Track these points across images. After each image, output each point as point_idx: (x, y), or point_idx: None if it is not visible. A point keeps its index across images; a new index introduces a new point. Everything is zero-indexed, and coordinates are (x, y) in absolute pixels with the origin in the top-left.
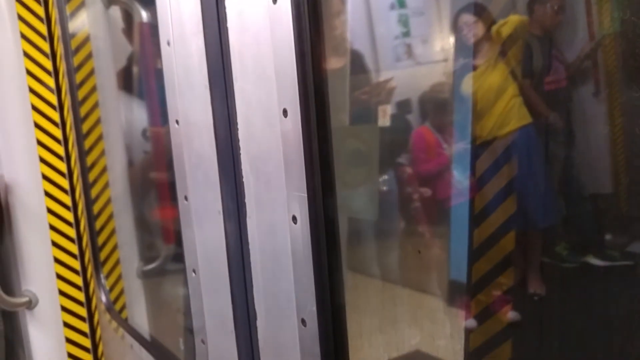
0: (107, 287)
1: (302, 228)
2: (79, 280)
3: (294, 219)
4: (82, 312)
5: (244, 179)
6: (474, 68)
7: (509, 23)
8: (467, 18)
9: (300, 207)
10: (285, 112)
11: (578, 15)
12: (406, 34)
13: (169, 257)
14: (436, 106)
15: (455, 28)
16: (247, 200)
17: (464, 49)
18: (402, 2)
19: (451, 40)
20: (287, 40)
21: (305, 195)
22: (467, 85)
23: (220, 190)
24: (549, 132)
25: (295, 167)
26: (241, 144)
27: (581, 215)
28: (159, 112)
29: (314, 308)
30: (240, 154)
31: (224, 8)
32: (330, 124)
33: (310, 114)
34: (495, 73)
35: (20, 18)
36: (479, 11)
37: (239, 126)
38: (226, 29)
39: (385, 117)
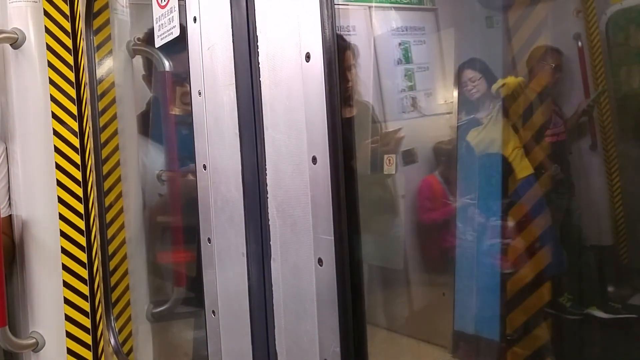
0: (117, 329)
1: (328, 270)
2: (87, 322)
3: (320, 261)
4: (89, 355)
5: (270, 222)
6: (476, 121)
7: (507, 86)
8: (470, 74)
9: (326, 249)
10: (314, 159)
11: (575, 74)
12: (411, 87)
13: (179, 300)
14: (441, 157)
15: (459, 83)
16: (272, 242)
17: (466, 103)
18: (407, 57)
19: (455, 94)
20: (318, 94)
21: (332, 238)
22: (470, 137)
23: (245, 232)
24: (550, 183)
25: (322, 210)
26: (269, 188)
27: (582, 266)
28: (177, 156)
29: (338, 349)
30: (267, 198)
31: (257, 64)
32: (357, 171)
33: (338, 161)
34: (496, 127)
35: (50, 65)
36: (481, 67)
37: (268, 172)
38: (259, 82)
39: (390, 165)
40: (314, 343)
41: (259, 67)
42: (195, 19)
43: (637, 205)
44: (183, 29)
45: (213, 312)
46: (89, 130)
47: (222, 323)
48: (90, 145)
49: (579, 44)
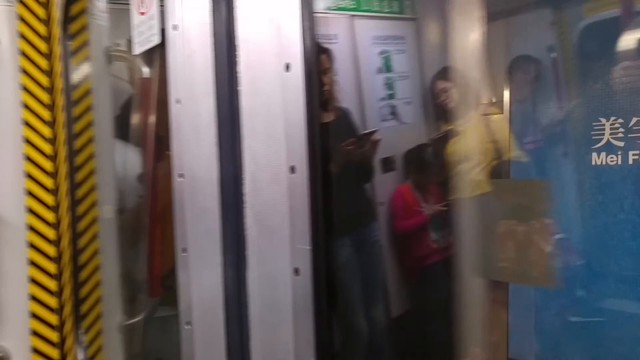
0: (86, 343)
1: (305, 280)
2: (55, 337)
3: (297, 271)
4: None
5: (247, 232)
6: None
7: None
8: (442, 84)
9: (303, 259)
10: (292, 169)
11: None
12: (392, 95)
13: (153, 311)
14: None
15: (432, 93)
16: (248, 252)
17: (441, 113)
18: (388, 66)
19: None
20: (298, 104)
21: (309, 248)
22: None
23: (222, 242)
24: None
25: (300, 220)
26: (246, 198)
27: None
28: (154, 165)
29: (313, 359)
30: (244, 207)
31: (237, 73)
32: (335, 181)
33: (316, 171)
34: (472, 137)
35: (23, 71)
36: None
37: (245, 181)
38: (238, 91)
39: None
40: (290, 354)
41: (238, 76)
42: (175, 27)
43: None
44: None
45: (188, 322)
46: (62, 137)
47: (196, 334)
48: (63, 153)
49: (553, 55)
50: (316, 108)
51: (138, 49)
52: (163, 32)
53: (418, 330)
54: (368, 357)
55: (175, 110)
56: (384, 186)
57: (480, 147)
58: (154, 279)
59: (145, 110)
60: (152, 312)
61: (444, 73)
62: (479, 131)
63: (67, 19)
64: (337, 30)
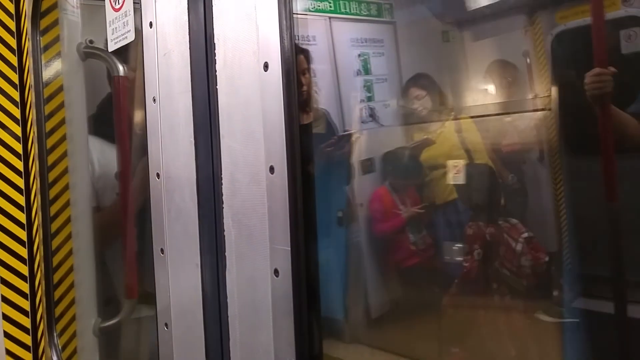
0: (60, 346)
1: (284, 281)
2: (28, 340)
3: (276, 272)
4: None
5: (225, 233)
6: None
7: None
8: (416, 92)
9: (283, 260)
10: (272, 169)
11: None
12: (370, 98)
13: (130, 313)
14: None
15: (406, 99)
16: (227, 253)
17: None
18: (366, 68)
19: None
20: (276, 104)
21: (289, 248)
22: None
23: (200, 243)
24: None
25: (279, 221)
26: (224, 198)
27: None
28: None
29: (293, 358)
30: (223, 208)
31: (214, 72)
32: (315, 181)
33: (296, 171)
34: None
35: None
36: (427, 84)
37: (223, 181)
38: (215, 90)
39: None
40: (270, 355)
41: (215, 75)
42: (151, 24)
43: (580, 213)
44: (138, 33)
45: (166, 324)
46: (33, 135)
47: (175, 336)
48: (34, 151)
49: (527, 60)
50: (295, 108)
51: (112, 46)
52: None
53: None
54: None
55: (152, 109)
56: (364, 188)
57: (453, 153)
58: (131, 279)
59: (121, 108)
60: (129, 313)
61: (418, 80)
62: (452, 137)
63: (38, 14)
64: (315, 32)
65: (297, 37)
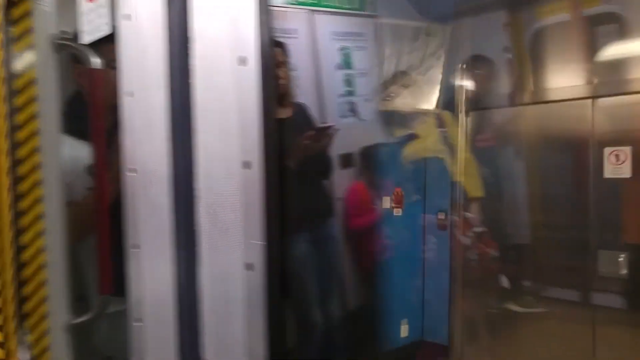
0: (30, 343)
1: (258, 275)
2: None
3: (249, 266)
4: None
5: (200, 228)
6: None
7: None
8: (398, 90)
9: (256, 255)
10: (246, 164)
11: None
12: (351, 92)
13: (103, 309)
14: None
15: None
16: (201, 248)
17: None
18: (348, 62)
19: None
20: (252, 99)
21: (263, 243)
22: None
23: (174, 238)
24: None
25: (253, 216)
26: (199, 192)
27: (506, 263)
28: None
29: (264, 351)
30: (197, 203)
31: (191, 66)
32: (290, 176)
33: (271, 167)
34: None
35: None
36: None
37: (198, 176)
38: (192, 85)
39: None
40: (242, 347)
41: (192, 69)
42: (127, 17)
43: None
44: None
45: (138, 320)
46: (3, 129)
47: (147, 331)
48: (5, 146)
49: (508, 55)
50: (272, 103)
51: (86, 38)
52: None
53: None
54: (323, 349)
55: (127, 103)
56: (343, 182)
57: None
58: (104, 275)
59: (95, 103)
60: (102, 309)
61: (400, 77)
62: (434, 133)
63: (9, 4)
64: (296, 25)
65: (276, 30)
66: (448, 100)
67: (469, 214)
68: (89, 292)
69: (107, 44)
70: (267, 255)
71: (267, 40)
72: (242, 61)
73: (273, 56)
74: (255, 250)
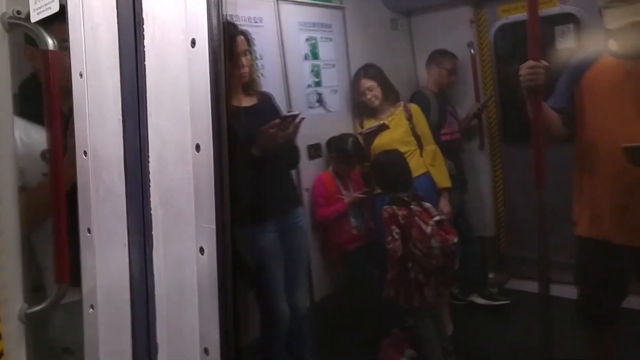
0: None
1: (209, 259)
2: None
3: (202, 250)
4: None
5: (152, 212)
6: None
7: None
8: (367, 83)
9: (208, 238)
10: (198, 147)
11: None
12: (318, 83)
13: (59, 298)
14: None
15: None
16: (154, 232)
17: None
18: (315, 53)
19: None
20: (203, 80)
21: (214, 227)
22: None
23: (127, 222)
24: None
25: (205, 199)
26: (152, 176)
27: (470, 255)
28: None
29: (217, 336)
30: (150, 186)
31: (143, 47)
32: (241, 160)
33: (222, 149)
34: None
35: None
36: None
37: (150, 160)
38: (144, 66)
39: None
40: (195, 332)
41: (144, 51)
42: None
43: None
44: (63, 5)
45: (91, 306)
46: None
47: (100, 317)
48: None
49: (472, 51)
50: (222, 85)
51: (35, 17)
52: None
53: (340, 313)
54: (290, 339)
55: (79, 85)
56: (311, 173)
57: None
58: (60, 263)
59: (49, 85)
60: (58, 299)
61: (368, 71)
62: (403, 125)
63: None
64: (262, 14)
65: (239, 18)
66: (415, 93)
67: (427, 204)
68: (45, 281)
69: (61, 24)
70: (218, 239)
71: (218, 22)
72: (193, 43)
73: (230, 41)
74: (206, 234)
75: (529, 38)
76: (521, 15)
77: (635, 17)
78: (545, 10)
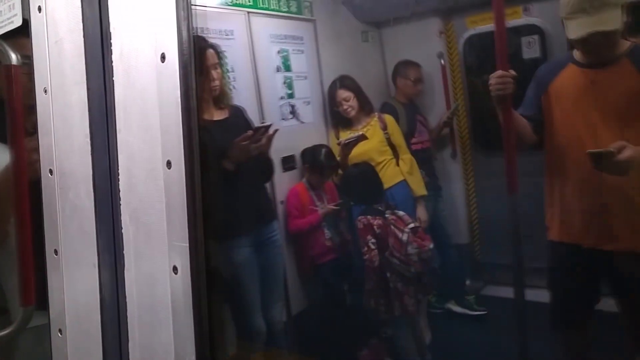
0: None
1: (183, 278)
2: None
3: (175, 269)
4: None
5: (123, 230)
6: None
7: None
8: (344, 94)
9: (181, 257)
10: (169, 164)
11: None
12: (291, 95)
13: (25, 321)
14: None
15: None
16: (125, 251)
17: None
18: (287, 65)
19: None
20: (173, 95)
21: (187, 244)
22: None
23: (97, 242)
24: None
25: (177, 217)
26: (122, 194)
27: (446, 262)
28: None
29: (193, 357)
30: (120, 204)
31: (111, 62)
32: (213, 176)
33: (194, 165)
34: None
35: None
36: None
37: (120, 177)
38: (112, 82)
39: None
40: (170, 354)
41: (112, 66)
42: (40, 9)
43: (489, 207)
44: (26, 19)
45: (60, 330)
46: None
47: (70, 342)
48: None
49: (442, 61)
50: (193, 100)
51: None
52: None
53: (317, 327)
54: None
55: (43, 101)
56: (286, 185)
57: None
58: (26, 285)
59: (12, 101)
60: (25, 323)
61: (344, 82)
62: (379, 135)
63: None
64: (232, 26)
65: (210, 31)
66: (383, 104)
67: (401, 212)
68: (9, 304)
69: (25, 39)
70: (192, 257)
71: (188, 37)
72: (162, 57)
73: (201, 54)
74: (179, 253)
75: (496, 49)
76: (489, 26)
77: (594, 27)
78: (512, 22)
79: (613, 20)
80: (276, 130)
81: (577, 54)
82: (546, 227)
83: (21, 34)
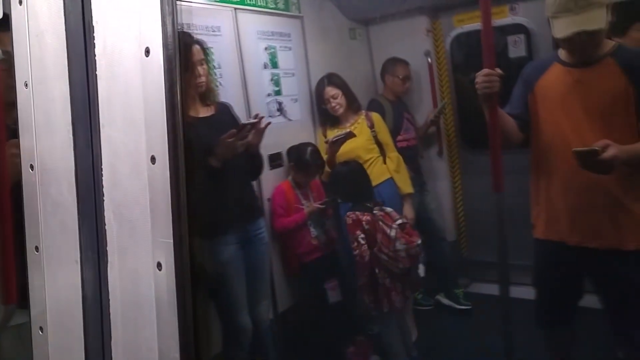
0: None
1: (168, 275)
2: None
3: (159, 265)
4: None
5: (106, 226)
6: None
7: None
8: (332, 91)
9: (166, 253)
10: (153, 159)
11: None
12: (278, 92)
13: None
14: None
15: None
16: (109, 248)
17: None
18: (274, 62)
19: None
20: (158, 90)
21: (172, 241)
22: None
23: (79, 238)
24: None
25: (161, 213)
26: (105, 190)
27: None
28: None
29: (177, 354)
30: (103, 200)
31: (93, 55)
32: (198, 171)
33: (178, 161)
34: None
35: None
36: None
37: (104, 172)
38: (95, 76)
39: None
40: (154, 351)
41: (95, 60)
42: (20, 2)
43: (475, 205)
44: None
45: (41, 328)
46: None
47: (51, 340)
48: None
49: (429, 59)
50: (177, 95)
51: None
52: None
53: (303, 324)
54: (253, 353)
55: (23, 95)
56: (272, 182)
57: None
58: (8, 282)
59: None
60: (6, 321)
61: (332, 79)
62: (366, 133)
63: None
64: (219, 23)
65: (196, 27)
66: (370, 101)
67: (389, 209)
68: None
69: (4, 34)
70: (176, 254)
71: (172, 31)
72: (147, 52)
73: (186, 50)
74: (164, 249)
75: (483, 47)
76: (476, 25)
77: (580, 27)
78: (498, 21)
79: (598, 19)
80: (268, 123)
81: (562, 53)
82: (532, 225)
83: (0, 29)
